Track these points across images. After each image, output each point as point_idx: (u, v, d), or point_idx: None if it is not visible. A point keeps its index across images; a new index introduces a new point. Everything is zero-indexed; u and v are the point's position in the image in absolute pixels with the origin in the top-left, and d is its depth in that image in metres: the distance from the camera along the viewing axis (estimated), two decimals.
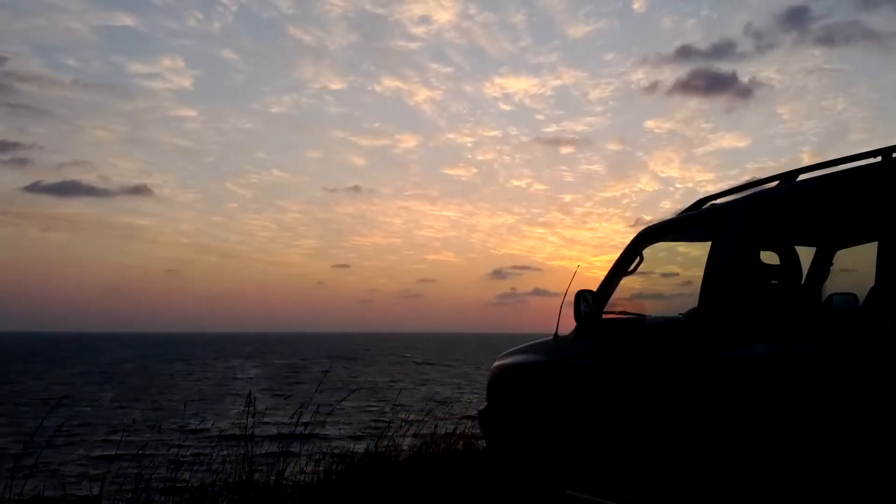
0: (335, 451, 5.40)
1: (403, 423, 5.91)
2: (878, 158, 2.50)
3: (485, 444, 4.91)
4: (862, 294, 2.58)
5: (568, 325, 3.69)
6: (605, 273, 3.62)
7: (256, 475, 4.58)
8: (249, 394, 5.30)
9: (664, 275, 3.95)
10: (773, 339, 2.53)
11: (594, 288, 3.57)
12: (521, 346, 4.29)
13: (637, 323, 3.37)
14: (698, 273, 3.03)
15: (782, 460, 2.42)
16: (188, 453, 4.82)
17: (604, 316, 3.52)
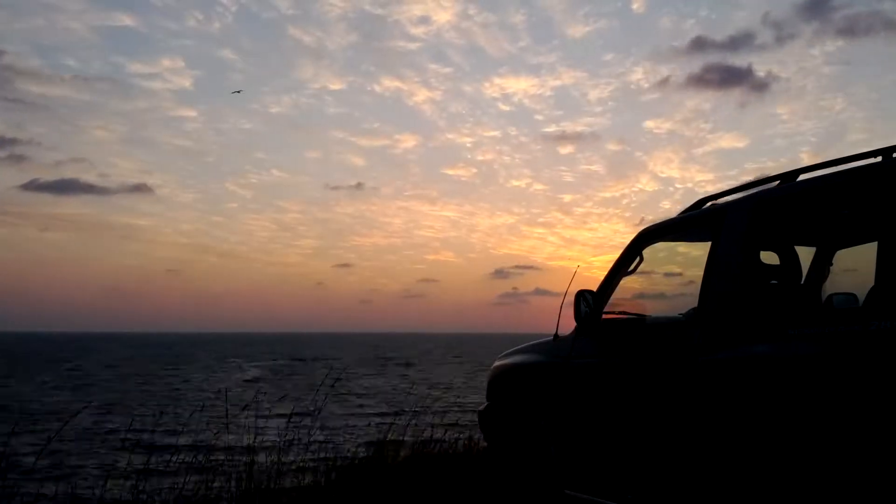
0: (335, 452, 5.40)
1: (403, 423, 5.91)
2: (879, 158, 2.50)
3: (485, 444, 4.91)
4: (862, 294, 2.58)
5: (568, 325, 3.69)
6: (605, 273, 3.62)
7: (255, 475, 4.57)
8: (255, 395, 5.29)
9: (664, 275, 3.96)
10: (773, 339, 2.53)
11: (594, 288, 3.57)
12: (521, 346, 4.29)
13: (637, 323, 3.37)
14: (698, 273, 3.03)
15: (783, 460, 2.42)
16: (188, 453, 4.82)
17: (604, 316, 3.52)
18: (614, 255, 3.66)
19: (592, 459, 3.39)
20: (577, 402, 3.52)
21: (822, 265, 3.53)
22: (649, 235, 3.52)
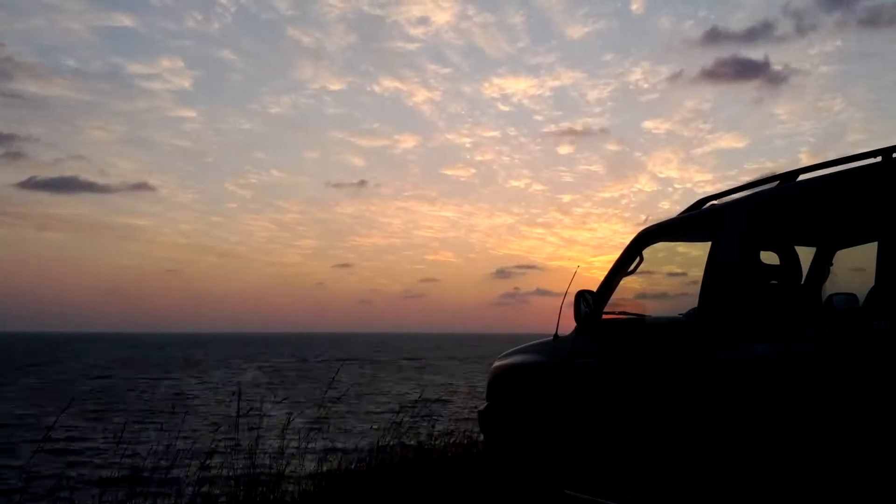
0: (335, 452, 5.41)
1: (403, 423, 5.91)
2: (878, 158, 2.50)
3: (485, 444, 4.91)
4: (862, 294, 2.58)
5: (568, 325, 3.70)
6: (606, 273, 3.62)
7: (256, 475, 4.58)
8: (260, 398, 5.29)
9: (664, 275, 3.96)
10: (774, 340, 2.53)
11: (594, 288, 3.57)
12: (521, 346, 4.29)
13: (637, 323, 3.38)
14: (698, 273, 3.04)
15: (783, 460, 2.42)
16: (188, 453, 4.82)
17: (604, 316, 3.52)
18: (614, 256, 3.66)
19: (592, 459, 3.39)
20: (577, 403, 3.52)
21: (822, 265, 3.53)
22: (649, 235, 3.52)
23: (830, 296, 2.79)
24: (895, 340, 2.10)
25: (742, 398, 2.59)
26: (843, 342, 2.27)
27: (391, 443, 5.54)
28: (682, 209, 3.48)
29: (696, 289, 3.01)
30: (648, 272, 3.62)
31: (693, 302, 3.04)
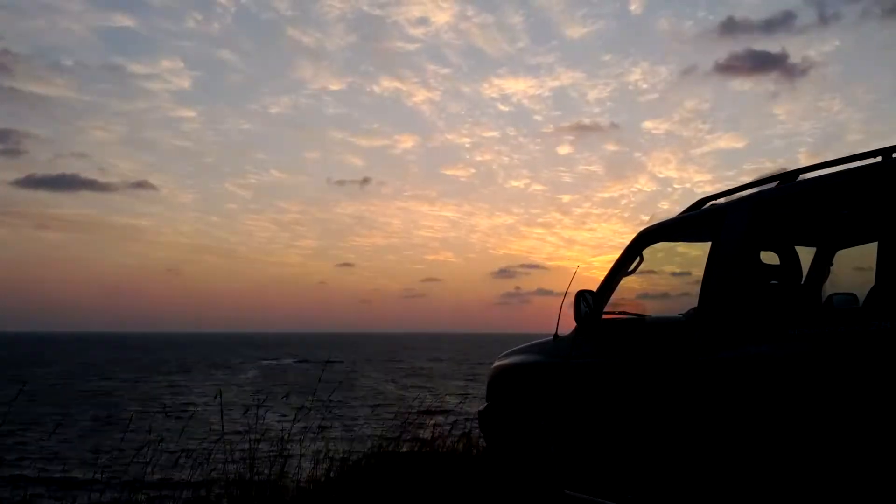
0: (335, 452, 5.40)
1: (403, 423, 5.91)
2: (878, 158, 2.50)
3: (485, 444, 4.91)
4: (862, 294, 2.58)
5: (568, 325, 3.70)
6: (606, 273, 3.62)
7: (256, 475, 4.58)
8: (264, 399, 5.29)
9: (664, 275, 3.95)
10: (774, 339, 2.53)
11: (594, 288, 3.57)
12: (521, 346, 4.29)
13: (637, 323, 3.38)
14: (698, 273, 3.04)
15: (782, 460, 2.42)
16: (188, 452, 4.82)
17: (604, 316, 3.53)
18: (614, 256, 3.66)
19: (592, 459, 3.39)
20: (577, 402, 3.52)
21: (822, 265, 3.53)
22: (649, 235, 3.52)
23: (830, 296, 2.79)
24: (895, 340, 2.10)
25: (742, 398, 2.59)
26: (843, 342, 2.27)
27: (391, 443, 5.54)
28: (682, 209, 3.48)
29: (696, 289, 3.01)
30: (648, 272, 3.62)
31: (693, 302, 3.04)
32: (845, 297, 2.74)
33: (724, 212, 3.04)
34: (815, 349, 2.36)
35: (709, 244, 3.08)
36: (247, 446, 4.79)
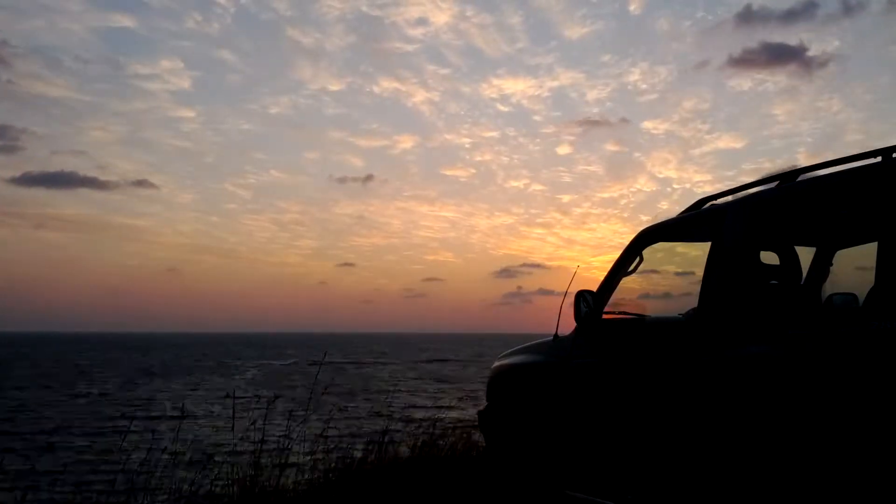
0: (335, 452, 5.40)
1: (403, 423, 5.90)
2: (878, 158, 2.50)
3: (485, 444, 4.91)
4: (862, 294, 2.58)
5: (568, 325, 3.70)
6: (606, 273, 3.62)
7: (256, 475, 4.58)
8: (269, 398, 5.29)
9: (664, 275, 3.96)
10: (774, 340, 2.53)
11: (594, 288, 3.57)
12: (521, 346, 4.29)
13: (637, 323, 3.38)
14: (698, 273, 3.04)
15: (782, 460, 2.42)
16: (187, 450, 4.82)
17: (604, 316, 3.53)
18: (613, 256, 3.66)
19: (592, 459, 3.39)
20: (577, 402, 3.52)
21: (822, 265, 3.53)
22: (649, 235, 3.52)
23: (830, 296, 2.79)
24: (895, 340, 2.10)
25: (742, 398, 2.59)
26: (842, 342, 2.27)
27: (390, 443, 5.54)
28: (682, 209, 3.48)
29: (696, 289, 3.01)
30: (648, 272, 3.62)
31: (693, 302, 3.04)
32: (845, 297, 2.74)
33: (724, 212, 3.04)
34: (815, 349, 2.36)
35: (709, 244, 3.08)
36: (247, 447, 4.80)
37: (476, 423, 4.78)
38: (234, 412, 4.88)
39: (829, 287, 3.42)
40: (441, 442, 5.74)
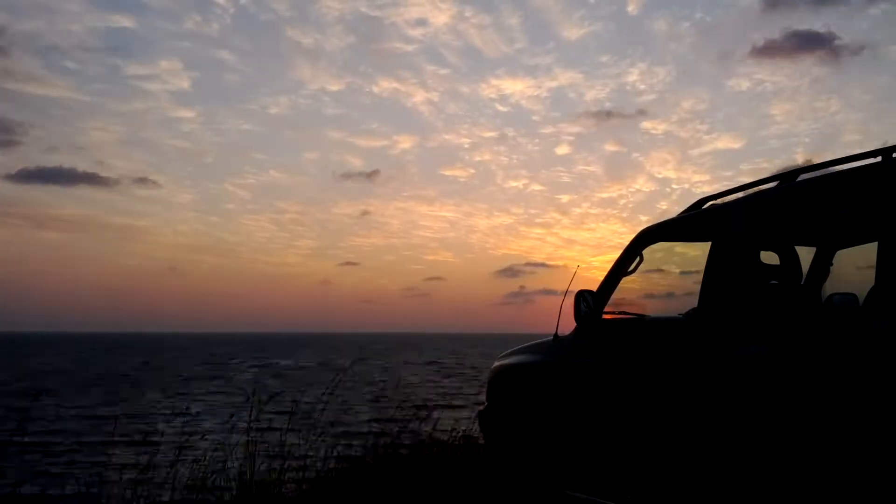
0: (334, 451, 5.40)
1: (403, 423, 5.91)
2: (878, 158, 2.50)
3: (485, 444, 4.91)
4: (862, 294, 2.58)
5: (568, 325, 3.70)
6: (606, 273, 3.62)
7: (256, 474, 4.58)
8: (253, 391, 5.30)
9: (664, 275, 3.96)
10: (774, 340, 2.53)
11: (594, 288, 3.57)
12: (521, 346, 4.29)
13: (637, 323, 3.38)
14: (698, 273, 3.04)
15: (782, 460, 2.42)
16: (187, 448, 4.82)
17: (604, 316, 3.53)
18: (613, 256, 3.66)
19: (592, 459, 3.39)
20: (577, 402, 3.53)
21: (822, 265, 3.53)
22: (649, 235, 3.52)
23: (830, 296, 2.79)
24: (895, 340, 2.10)
25: (742, 398, 2.59)
26: (842, 342, 2.27)
27: (390, 443, 5.54)
28: (681, 209, 3.48)
29: (696, 289, 3.01)
30: (648, 272, 3.62)
31: (693, 302, 3.05)
32: (845, 297, 2.74)
33: (724, 212, 3.04)
34: (815, 349, 2.36)
35: (709, 244, 3.08)
36: (246, 446, 4.80)
37: (476, 423, 4.78)
38: (251, 408, 4.88)
39: (829, 287, 3.42)
40: (441, 442, 5.74)
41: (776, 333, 2.54)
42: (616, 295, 3.58)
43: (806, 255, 3.41)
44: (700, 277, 3.00)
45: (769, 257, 3.21)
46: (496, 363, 4.45)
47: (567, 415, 3.56)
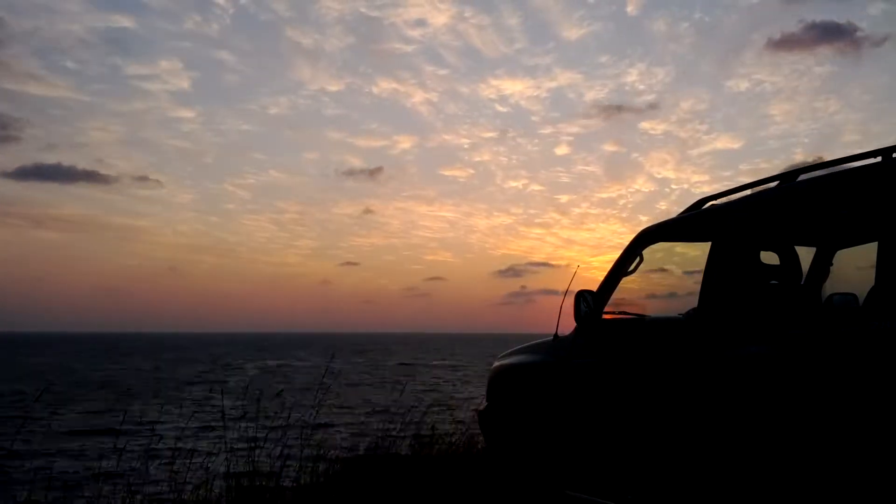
0: (334, 451, 5.41)
1: (403, 423, 5.91)
2: (878, 158, 2.50)
3: (485, 444, 4.91)
4: (862, 294, 2.58)
5: (568, 325, 3.70)
6: (605, 273, 3.62)
7: (255, 473, 4.58)
8: (252, 392, 5.30)
9: (664, 275, 3.96)
10: (774, 339, 2.53)
11: (594, 288, 3.57)
12: (521, 346, 4.29)
13: (637, 323, 3.38)
14: (698, 273, 3.04)
15: (782, 460, 2.42)
16: (186, 449, 4.82)
17: (604, 316, 3.53)
18: (613, 256, 3.66)
19: (592, 459, 3.39)
20: (577, 402, 3.52)
21: (822, 265, 3.53)
22: (649, 235, 3.52)
23: (830, 296, 2.79)
24: (895, 340, 2.10)
25: (742, 398, 2.59)
26: (842, 342, 2.27)
27: (390, 442, 5.54)
28: (680, 209, 3.48)
29: (696, 289, 3.01)
30: (648, 272, 3.62)
31: (693, 302, 3.04)
32: (845, 297, 2.74)
33: (724, 212, 3.04)
34: (815, 349, 2.36)
35: (709, 244, 3.08)
36: (243, 444, 4.80)
37: (476, 423, 4.78)
38: (258, 405, 4.87)
39: (829, 287, 3.42)
40: (441, 441, 5.74)
41: (776, 333, 2.54)
42: (616, 295, 3.58)
43: (806, 255, 3.41)
44: (700, 277, 3.00)
45: (769, 257, 3.21)
46: (496, 363, 4.45)
47: (567, 415, 3.56)
